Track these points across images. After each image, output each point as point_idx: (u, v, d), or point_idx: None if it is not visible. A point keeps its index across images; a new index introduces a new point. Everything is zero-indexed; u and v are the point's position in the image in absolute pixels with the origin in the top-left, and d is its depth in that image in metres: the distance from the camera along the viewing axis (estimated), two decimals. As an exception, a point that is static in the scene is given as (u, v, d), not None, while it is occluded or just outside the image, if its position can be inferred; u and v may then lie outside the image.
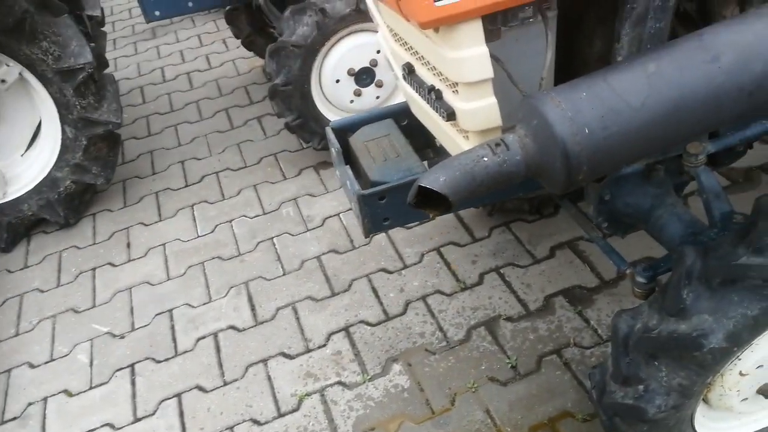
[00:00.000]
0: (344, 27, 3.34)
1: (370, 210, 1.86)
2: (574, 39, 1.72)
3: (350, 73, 3.49)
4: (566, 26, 1.68)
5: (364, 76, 3.54)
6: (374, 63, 3.50)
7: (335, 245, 3.24)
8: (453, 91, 1.52)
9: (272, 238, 3.37)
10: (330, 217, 3.44)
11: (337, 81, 3.49)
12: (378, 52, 3.47)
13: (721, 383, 1.66)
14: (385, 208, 1.87)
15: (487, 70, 1.41)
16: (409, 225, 3.20)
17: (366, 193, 1.82)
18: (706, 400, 1.76)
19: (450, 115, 1.53)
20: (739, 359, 1.59)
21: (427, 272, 2.99)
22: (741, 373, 1.62)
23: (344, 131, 2.13)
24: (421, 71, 1.67)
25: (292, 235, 3.36)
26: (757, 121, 1.95)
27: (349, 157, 2.07)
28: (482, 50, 1.38)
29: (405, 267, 3.04)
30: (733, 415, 1.83)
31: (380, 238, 3.23)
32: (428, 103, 1.64)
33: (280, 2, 4.06)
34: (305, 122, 3.54)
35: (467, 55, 1.38)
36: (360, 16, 3.30)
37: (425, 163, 1.95)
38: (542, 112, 1.24)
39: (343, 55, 3.43)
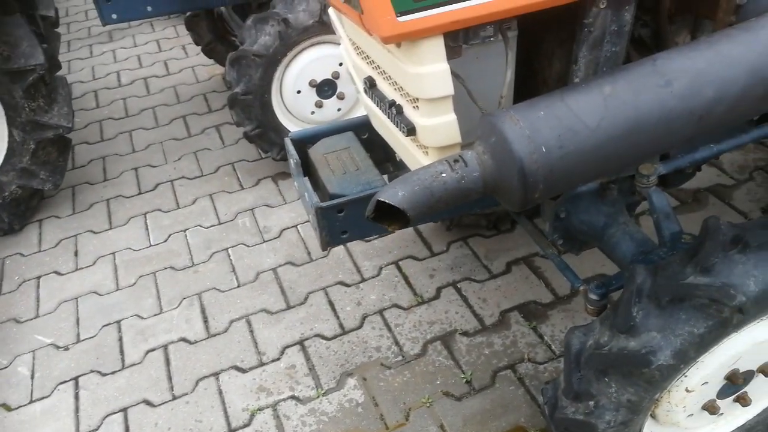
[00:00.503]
0: (307, 38, 3.33)
1: (328, 223, 1.84)
2: (534, 59, 1.75)
3: (312, 84, 3.47)
4: (526, 46, 1.70)
5: (326, 88, 3.53)
6: (336, 75, 3.49)
7: (292, 257, 3.21)
8: (413, 107, 1.52)
9: (227, 248, 3.32)
10: (287, 228, 3.41)
11: (299, 92, 3.47)
12: (340, 64, 3.47)
13: (668, 399, 1.69)
14: (343, 221, 1.85)
15: (447, 87, 1.41)
16: (368, 238, 3.19)
17: (324, 206, 1.81)
18: (653, 416, 1.79)
19: (410, 131, 1.53)
20: (686, 376, 1.62)
21: (384, 286, 2.98)
22: (687, 390, 1.66)
23: (303, 143, 2.11)
24: (383, 86, 1.67)
25: (248, 246, 3.31)
26: (705, 145, 2.02)
27: (308, 168, 2.05)
28: (443, 67, 1.39)
29: (363, 280, 3.02)
30: (679, 431, 1.87)
31: (338, 250, 3.21)
32: (389, 117, 1.64)
33: (243, 10, 4.04)
34: (264, 132, 3.51)
35: (428, 72, 1.39)
36: (323, 27, 3.29)
37: (385, 177, 1.95)
38: (501, 130, 1.25)
39: (305, 66, 3.41)
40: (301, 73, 3.42)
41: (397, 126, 1.58)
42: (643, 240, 2.08)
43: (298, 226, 3.41)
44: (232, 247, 3.32)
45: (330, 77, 3.49)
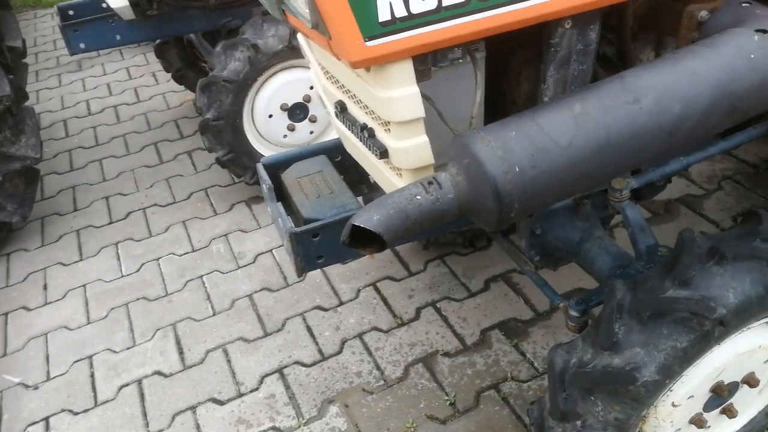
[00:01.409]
0: (277, 63, 3.32)
1: (303, 248, 1.81)
2: (502, 79, 1.75)
3: (283, 108, 3.46)
4: (494, 67, 1.71)
5: (298, 111, 3.51)
6: (307, 98, 3.48)
7: (268, 283, 3.16)
8: (385, 130, 1.51)
9: (202, 276, 3.26)
10: (262, 253, 3.37)
11: (270, 116, 3.45)
12: (311, 87, 3.45)
13: (655, 415, 1.68)
14: (318, 245, 1.83)
15: (418, 110, 1.40)
16: (345, 261, 3.16)
17: (299, 231, 1.78)
18: (640, 432, 1.78)
19: (383, 153, 1.52)
20: (671, 391, 1.61)
21: (363, 308, 2.95)
22: (673, 404, 1.65)
23: (276, 167, 2.08)
24: (354, 109, 1.65)
25: (223, 273, 3.26)
26: (675, 158, 2.04)
27: (281, 193, 2.03)
28: (413, 90, 1.38)
29: (341, 304, 2.99)
30: (667, 446, 1.86)
31: (315, 274, 3.17)
32: (361, 140, 1.62)
33: (212, 37, 4.02)
34: (237, 157, 3.48)
35: (398, 95, 1.38)
36: (293, 52, 3.29)
37: (360, 199, 1.93)
38: (473, 151, 1.24)
39: (276, 90, 3.40)
40: (272, 97, 3.41)
41: (369, 149, 1.57)
42: (619, 254, 2.09)
43: (273, 251, 3.37)
44: (207, 274, 3.27)
45: (301, 101, 3.48)
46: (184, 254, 3.44)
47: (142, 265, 3.39)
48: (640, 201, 2.36)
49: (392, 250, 3.26)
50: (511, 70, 1.71)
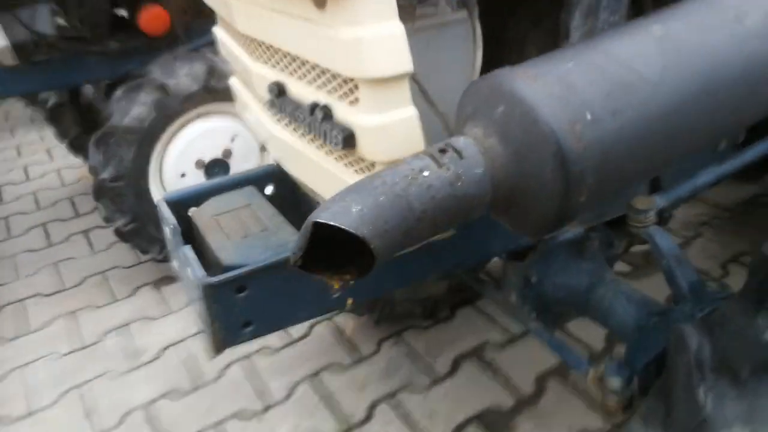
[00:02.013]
0: (191, 108, 2.79)
1: (223, 308, 1.21)
2: (498, 52, 1.28)
3: (199, 165, 2.89)
4: (486, 36, 1.24)
5: (216, 169, 2.95)
6: (228, 153, 2.94)
7: (174, 384, 2.45)
8: (350, 102, 0.98)
9: (84, 383, 2.51)
10: (171, 345, 2.68)
11: (183, 175, 2.87)
12: (233, 140, 2.92)
13: None
14: (245, 304, 1.23)
15: (402, 59, 0.90)
16: (282, 331, 2.52)
17: (215, 282, 1.18)
18: None
19: (347, 140, 0.98)
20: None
21: (299, 411, 2.29)
22: None
23: (183, 205, 1.50)
24: (297, 87, 1.13)
25: (115, 377, 2.52)
26: (704, 168, 1.61)
27: (191, 238, 1.43)
28: (395, 28, 0.88)
29: (269, 407, 2.32)
30: None
31: (235, 369, 2.50)
32: (310, 131, 1.08)
33: (113, 91, 3.43)
34: (141, 227, 2.84)
35: (372, 34, 0.87)
36: (211, 95, 2.77)
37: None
38: (515, 93, 0.73)
39: (190, 143, 2.85)
40: (186, 151, 2.85)
41: (324, 139, 1.03)
42: (645, 299, 1.62)
43: (187, 340, 2.69)
44: (93, 379, 2.52)
45: (221, 156, 2.93)
46: (70, 353, 2.70)
47: (9, 372, 2.61)
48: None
49: (335, 329, 2.65)
50: (512, 36, 1.25)
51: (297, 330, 2.65)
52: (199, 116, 2.83)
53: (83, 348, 2.70)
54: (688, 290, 1.45)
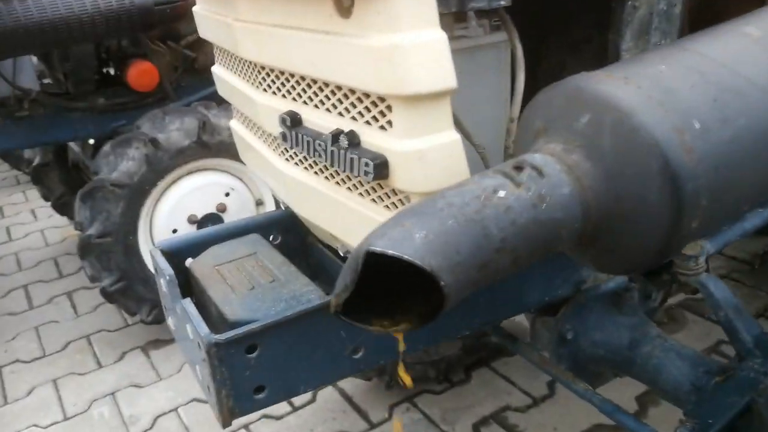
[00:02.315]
0: (183, 163, 2.66)
1: (232, 371, 1.04)
2: (529, 83, 1.16)
3: (191, 221, 2.74)
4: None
5: (210, 225, 2.78)
6: (222, 208, 2.80)
7: (171, 456, 2.24)
8: (381, 126, 0.84)
9: (73, 456, 2.28)
10: (164, 414, 2.46)
11: (174, 231, 2.72)
12: (227, 194, 2.78)
13: None
14: (257, 366, 1.06)
15: (447, 74, 0.77)
16: (293, 398, 2.32)
17: (222, 340, 1.01)
18: None
19: (379, 169, 0.84)
20: None
21: (310, 482, 2.07)
22: None
23: (180, 255, 1.34)
24: (315, 115, 0.99)
25: (105, 448, 2.30)
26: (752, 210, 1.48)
27: (190, 293, 1.27)
28: (437, 36, 0.75)
29: (277, 479, 2.10)
30: None
31: (236, 438, 2.29)
32: (332, 164, 0.94)
33: (99, 149, 3.31)
34: (129, 286, 2.66)
35: (411, 43, 0.74)
36: (203, 150, 2.65)
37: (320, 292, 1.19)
38: (605, 97, 0.60)
39: (182, 198, 2.71)
40: (177, 207, 2.70)
41: (351, 170, 0.88)
42: (699, 356, 1.47)
43: (180, 409, 2.47)
44: (81, 452, 2.30)
45: (215, 211, 2.79)
46: (51, 425, 2.47)
47: (-15, 446, 2.37)
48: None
49: (342, 394, 2.45)
50: (546, 66, 1.13)
51: (300, 396, 2.44)
52: (190, 171, 2.70)
53: (67, 419, 2.48)
54: (754, 344, 1.29)
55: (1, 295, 3.53)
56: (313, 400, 2.43)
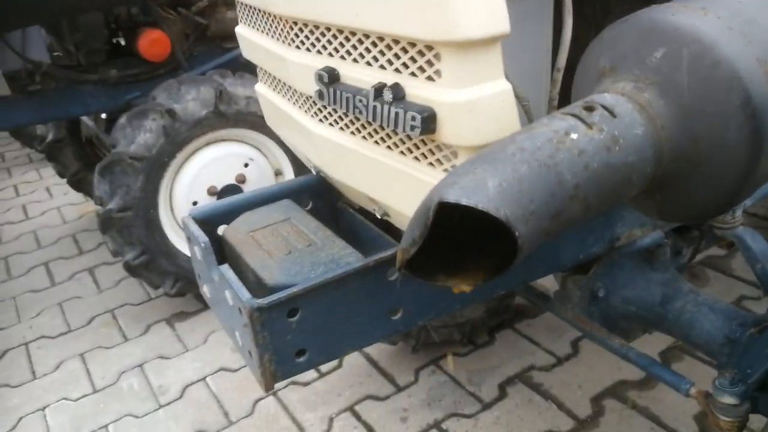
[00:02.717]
0: (201, 134, 2.63)
1: (274, 335, 1.03)
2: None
3: (211, 192, 2.73)
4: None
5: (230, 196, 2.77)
6: (242, 179, 2.78)
7: (203, 423, 2.26)
8: (428, 77, 0.82)
9: (107, 425, 2.32)
10: (192, 384, 2.48)
11: (195, 203, 2.71)
12: (246, 165, 2.76)
13: None
14: (299, 329, 1.05)
15: (500, 17, 0.74)
16: (324, 366, 2.33)
17: (266, 304, 1.00)
18: None
19: (426, 122, 0.81)
20: None
21: (341, 444, 2.09)
22: None
23: (213, 222, 1.33)
24: (354, 70, 0.96)
25: (138, 417, 2.34)
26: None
27: (223, 260, 1.26)
28: (489, -23, 0.72)
29: (309, 441, 2.12)
30: None
31: (267, 403, 2.31)
32: (374, 119, 0.92)
33: (113, 123, 3.29)
34: (152, 259, 2.66)
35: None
36: (220, 120, 2.62)
37: (357, 254, 1.18)
38: (683, 29, 0.57)
39: (201, 169, 2.69)
40: (197, 178, 2.69)
41: (395, 125, 0.86)
42: (732, 310, 1.45)
43: (207, 379, 2.49)
44: (115, 421, 2.34)
45: (234, 182, 2.77)
46: (82, 397, 2.50)
47: (20, 420, 2.41)
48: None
49: (367, 359, 2.46)
50: (588, 9, 1.08)
51: (327, 361, 2.46)
52: (209, 142, 2.67)
53: (96, 392, 2.50)
54: (791, 293, 1.28)
55: (22, 272, 3.54)
56: (339, 365, 2.44)
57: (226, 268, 1.12)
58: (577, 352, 2.40)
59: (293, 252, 1.17)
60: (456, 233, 0.60)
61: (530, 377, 2.31)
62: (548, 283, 2.28)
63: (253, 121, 2.67)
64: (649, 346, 2.17)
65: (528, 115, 0.95)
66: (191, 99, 2.59)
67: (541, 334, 2.51)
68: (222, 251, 1.30)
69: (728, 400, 1.12)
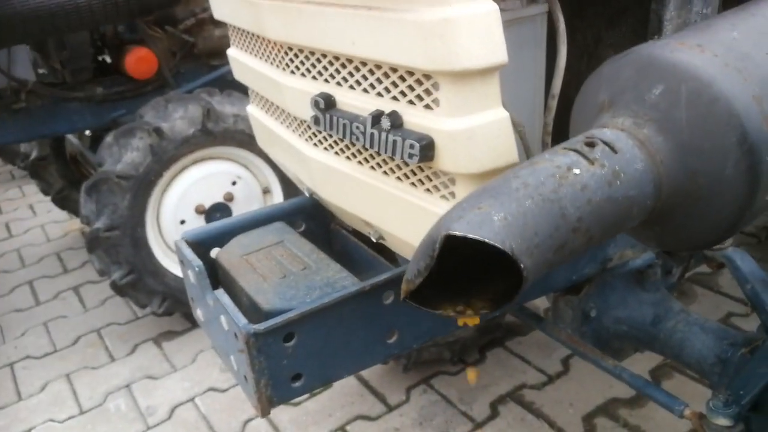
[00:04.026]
0: (188, 152, 2.62)
1: (270, 362, 1.03)
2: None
3: (199, 211, 2.72)
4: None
5: (218, 215, 2.76)
6: (230, 197, 2.77)
7: (192, 445, 2.23)
8: (426, 105, 0.82)
9: (93, 448, 2.28)
10: (181, 404, 2.45)
11: (183, 222, 2.69)
12: (234, 183, 2.76)
13: None
14: (295, 354, 1.05)
15: (498, 48, 0.75)
16: (319, 389, 2.31)
17: (262, 330, 1.00)
18: None
19: (424, 150, 0.82)
20: None
21: (332, 465, 2.08)
22: None
23: (204, 246, 1.32)
24: (351, 97, 0.97)
25: (125, 439, 2.30)
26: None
27: (217, 282, 1.25)
28: (489, 6, 0.73)
29: (300, 462, 2.10)
30: None
31: (258, 424, 2.29)
32: (371, 146, 0.92)
33: (99, 142, 3.26)
34: (139, 279, 2.63)
35: (463, 15, 0.72)
36: (208, 138, 2.61)
37: (352, 278, 1.18)
38: (681, 66, 0.58)
39: (189, 188, 2.68)
40: (184, 197, 2.67)
41: (393, 153, 0.87)
42: (721, 329, 1.47)
43: (196, 399, 2.46)
44: (101, 444, 2.29)
45: (222, 200, 2.76)
46: (68, 419, 2.46)
47: (4, 442, 2.36)
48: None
49: (358, 379, 2.45)
50: (581, 40, 1.10)
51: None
52: (196, 161, 2.66)
53: (83, 413, 2.47)
54: (781, 315, 1.29)
55: (5, 292, 3.50)
56: (330, 385, 2.43)
57: (221, 293, 1.11)
58: (568, 370, 2.40)
59: (288, 276, 1.17)
60: (458, 265, 0.60)
61: (522, 396, 2.31)
62: (539, 301, 2.30)
63: (241, 139, 2.67)
64: (639, 364, 2.18)
65: (524, 142, 0.96)
66: (179, 117, 2.58)
67: (532, 352, 2.52)
68: (215, 274, 1.29)
69: (722, 421, 1.13)
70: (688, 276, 2.84)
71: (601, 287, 1.58)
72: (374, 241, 1.18)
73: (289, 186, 2.85)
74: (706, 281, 2.82)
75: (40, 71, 3.17)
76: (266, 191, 2.89)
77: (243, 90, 1.49)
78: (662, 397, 1.27)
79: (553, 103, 0.93)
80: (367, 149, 0.98)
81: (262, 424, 2.28)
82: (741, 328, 2.12)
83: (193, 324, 2.88)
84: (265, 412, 1.06)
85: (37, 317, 3.20)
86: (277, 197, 2.88)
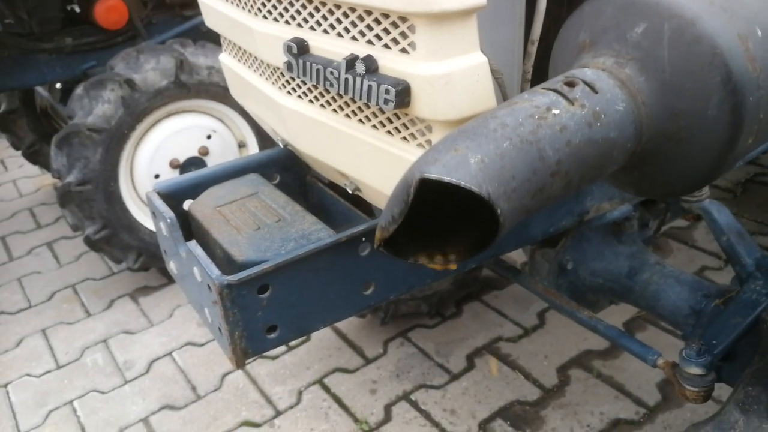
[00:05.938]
0: (161, 105, 2.55)
1: (244, 312, 1.01)
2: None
3: (173, 165, 2.66)
4: None
5: (193, 169, 2.71)
6: (205, 151, 2.71)
7: (170, 398, 2.24)
8: (402, 49, 0.79)
9: (72, 401, 2.28)
10: (159, 359, 2.45)
11: (157, 176, 2.64)
12: (209, 136, 2.70)
13: None
14: (269, 306, 1.04)
15: (475, -12, 0.71)
16: (295, 342, 2.32)
17: (235, 281, 0.98)
18: None
19: (400, 95, 0.79)
20: None
21: (311, 416, 2.10)
22: None
23: (177, 197, 1.29)
24: (324, 41, 0.93)
25: (104, 393, 2.30)
26: None
27: (190, 235, 1.22)
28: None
29: (278, 414, 2.13)
30: None
31: (236, 377, 2.30)
32: (346, 92, 0.89)
33: (69, 94, 3.16)
34: (113, 234, 2.59)
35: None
36: (181, 90, 2.54)
37: (328, 229, 1.16)
38: (664, 4, 0.55)
39: (163, 141, 2.62)
40: (158, 151, 2.62)
41: (368, 98, 0.84)
42: (697, 281, 1.48)
43: (174, 353, 2.46)
44: (80, 397, 2.30)
45: (197, 154, 2.71)
46: (45, 374, 2.45)
47: (-21, 398, 2.35)
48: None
49: (335, 332, 2.46)
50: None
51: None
52: (170, 114, 2.60)
53: (60, 367, 2.46)
54: (755, 267, 1.31)
55: (-23, 247, 3.43)
56: (307, 339, 2.44)
57: (193, 245, 1.09)
58: (544, 323, 2.43)
59: (262, 227, 1.14)
60: (433, 211, 0.58)
61: (498, 348, 2.34)
62: (516, 255, 2.31)
63: (216, 91, 2.61)
64: (613, 316, 2.22)
65: (502, 89, 0.93)
66: (151, 69, 2.50)
67: (508, 306, 2.54)
68: (188, 227, 1.26)
69: (695, 370, 1.15)
70: (663, 230, 2.88)
71: (577, 240, 1.59)
72: (350, 192, 1.16)
73: (265, 139, 2.80)
74: (681, 235, 2.85)
75: (7, 21, 3.04)
76: (242, 145, 2.84)
77: (217, 41, 1.44)
78: (636, 347, 1.29)
79: (533, 50, 0.90)
80: (341, 96, 0.95)
81: (240, 377, 2.29)
82: (716, 282, 2.16)
83: (170, 279, 2.86)
84: (240, 364, 1.05)
85: (11, 273, 3.15)
86: (253, 151, 2.83)
